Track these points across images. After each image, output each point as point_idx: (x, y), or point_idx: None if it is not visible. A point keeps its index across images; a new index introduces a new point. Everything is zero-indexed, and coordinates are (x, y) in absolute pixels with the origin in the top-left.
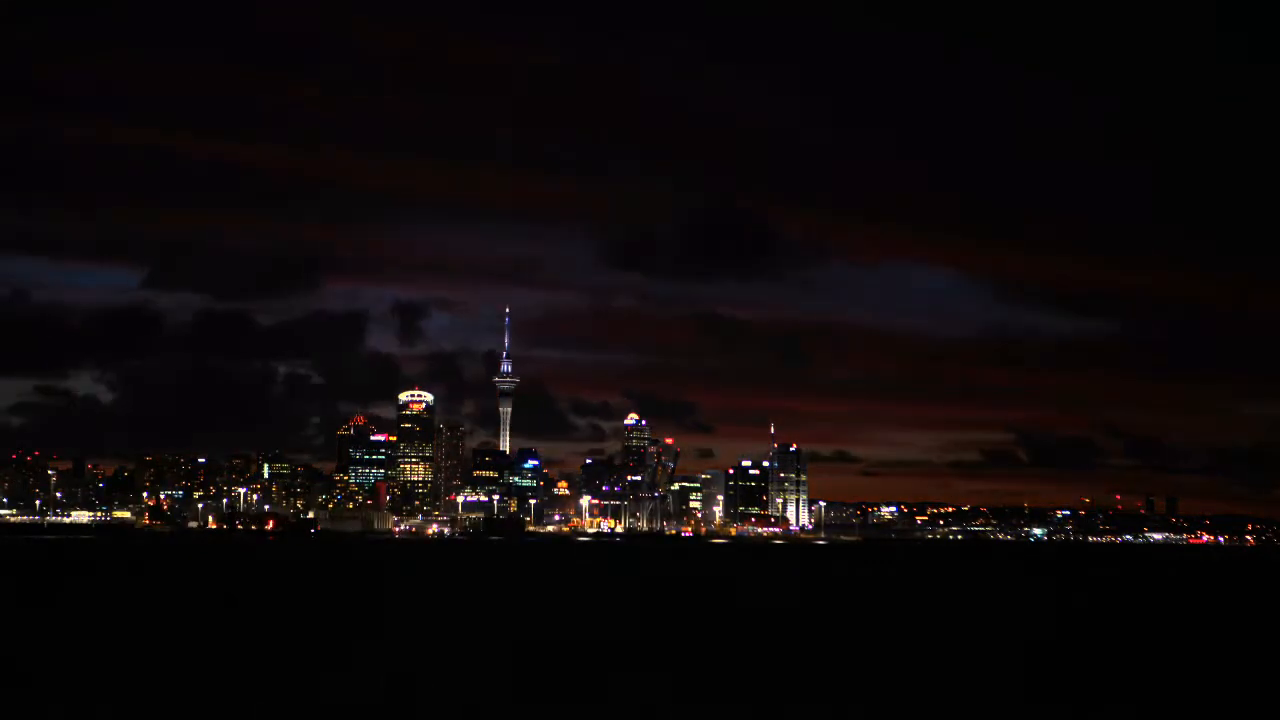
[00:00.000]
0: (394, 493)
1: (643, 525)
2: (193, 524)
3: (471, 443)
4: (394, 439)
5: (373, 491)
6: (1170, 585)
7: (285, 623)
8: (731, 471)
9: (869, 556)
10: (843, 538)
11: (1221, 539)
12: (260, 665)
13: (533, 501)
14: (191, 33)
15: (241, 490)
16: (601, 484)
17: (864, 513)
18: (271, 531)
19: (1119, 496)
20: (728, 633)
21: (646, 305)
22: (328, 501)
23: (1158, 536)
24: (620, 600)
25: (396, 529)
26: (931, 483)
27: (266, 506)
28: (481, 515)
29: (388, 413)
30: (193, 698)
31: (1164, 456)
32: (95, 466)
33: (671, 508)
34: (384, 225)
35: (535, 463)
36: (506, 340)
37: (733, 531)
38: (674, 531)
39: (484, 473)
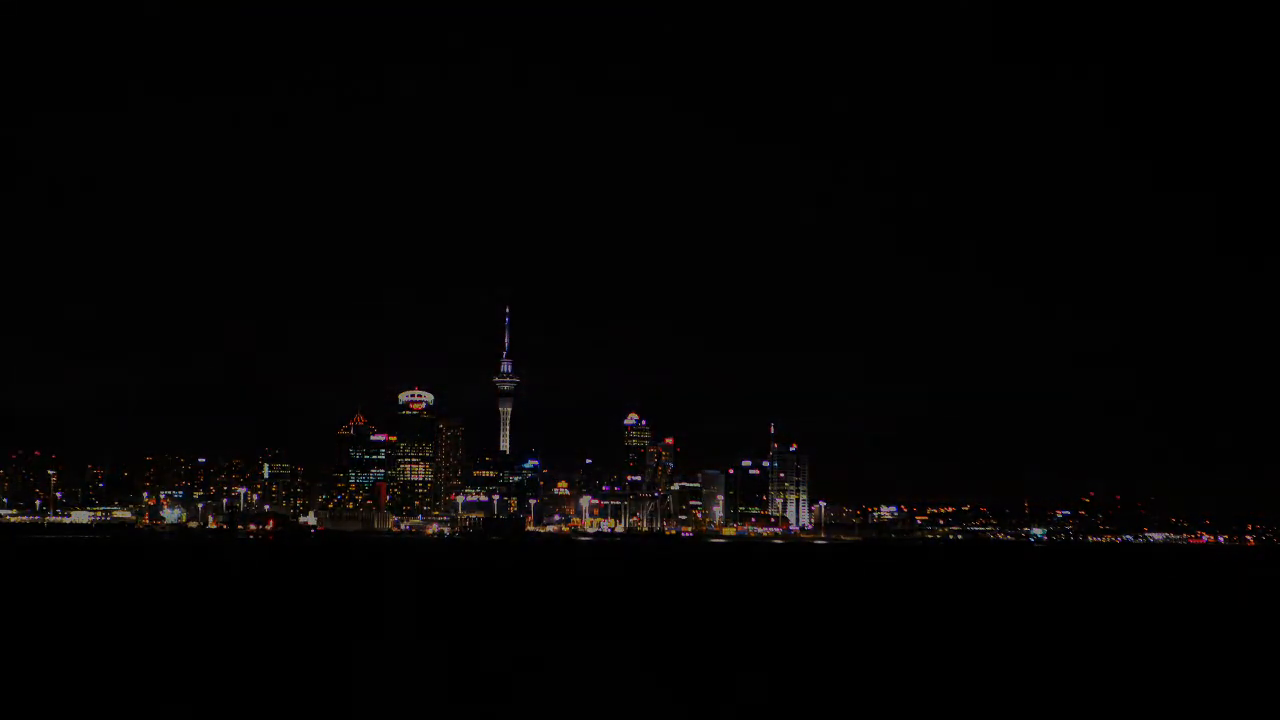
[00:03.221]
0: (394, 493)
1: (643, 525)
2: (193, 524)
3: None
4: (394, 439)
5: (373, 491)
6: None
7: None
8: (732, 472)
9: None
10: (843, 537)
11: (1222, 539)
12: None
13: (533, 501)
14: None
15: (242, 490)
16: (601, 484)
17: (864, 512)
18: (271, 531)
19: (1118, 496)
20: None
21: None
22: (328, 501)
23: (1158, 536)
24: None
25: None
26: None
27: (266, 506)
28: (481, 515)
29: (388, 413)
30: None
31: None
32: (95, 466)
33: (671, 508)
34: None
35: (535, 463)
36: (507, 340)
37: (732, 531)
38: (673, 531)
39: (484, 473)
